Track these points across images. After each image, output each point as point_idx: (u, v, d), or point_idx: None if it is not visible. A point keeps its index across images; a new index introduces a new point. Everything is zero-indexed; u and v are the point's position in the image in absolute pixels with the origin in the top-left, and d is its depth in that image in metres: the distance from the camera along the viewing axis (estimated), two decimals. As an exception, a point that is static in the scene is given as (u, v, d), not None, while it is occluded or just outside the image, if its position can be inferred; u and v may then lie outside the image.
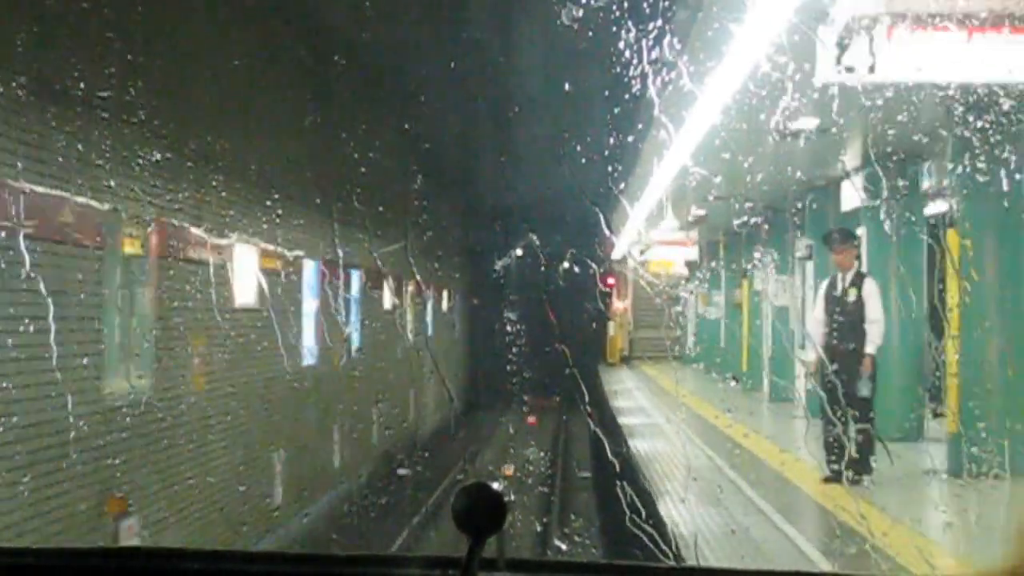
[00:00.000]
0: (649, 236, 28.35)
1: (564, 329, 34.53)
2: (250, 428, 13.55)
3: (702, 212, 21.01)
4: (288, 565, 2.43)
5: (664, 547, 7.92)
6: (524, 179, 26.67)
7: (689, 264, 32.32)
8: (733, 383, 25.65)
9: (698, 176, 17.48)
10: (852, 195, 15.56)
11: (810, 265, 17.51)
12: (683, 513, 10.13)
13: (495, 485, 2.10)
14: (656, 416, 18.58)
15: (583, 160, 15.04)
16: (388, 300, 22.17)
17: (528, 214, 32.04)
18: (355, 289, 19.01)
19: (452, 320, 33.99)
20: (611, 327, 37.41)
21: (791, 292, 19.91)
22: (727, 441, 14.57)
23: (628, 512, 8.33)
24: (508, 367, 32.92)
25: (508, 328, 37.67)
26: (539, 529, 15.49)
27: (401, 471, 21.22)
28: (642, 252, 28.14)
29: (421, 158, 23.07)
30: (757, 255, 22.62)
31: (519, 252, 45.89)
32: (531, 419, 31.61)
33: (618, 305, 39.10)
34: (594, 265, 31.78)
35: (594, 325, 37.26)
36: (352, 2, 14.23)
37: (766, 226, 20.79)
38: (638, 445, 15.14)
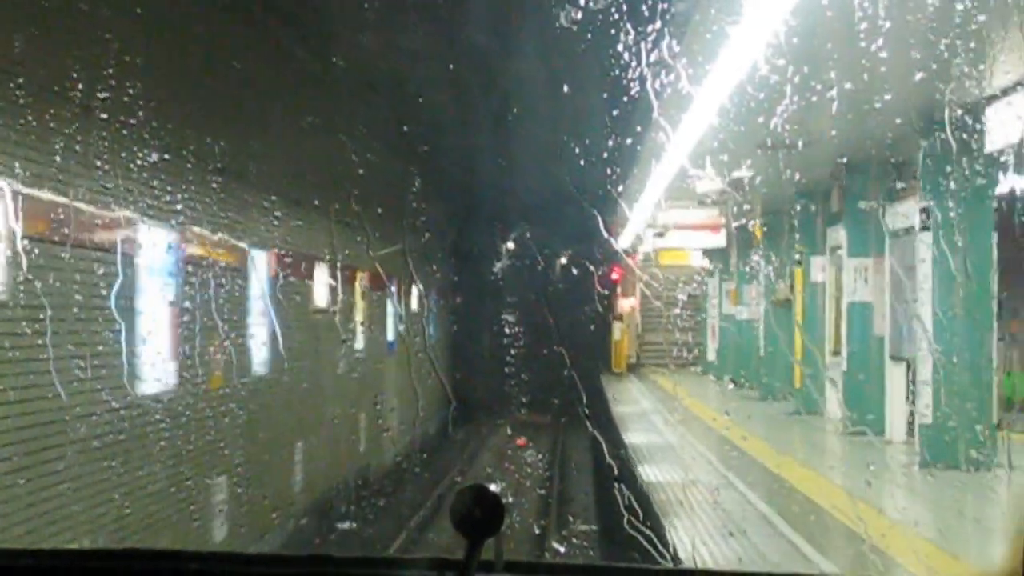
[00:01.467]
0: (665, 217, 22.61)
1: (562, 332, 29.39)
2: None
3: (742, 175, 15.25)
4: (287, 567, 2.43)
5: (662, 549, 7.56)
6: (522, 178, 26.31)
7: (711, 253, 26.70)
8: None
9: (740, 120, 11.98)
10: (1006, 125, 9.90)
11: (920, 241, 11.66)
12: None
13: (493, 487, 2.10)
14: (698, 468, 12.76)
15: (582, 161, 15.20)
16: (321, 296, 16.43)
17: (525, 212, 31.06)
18: (261, 283, 13.32)
19: (440, 323, 28.37)
20: (616, 329, 31.69)
21: (877, 281, 14.18)
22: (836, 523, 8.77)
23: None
24: (495, 381, 27.21)
25: (498, 331, 31.93)
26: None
27: (342, 525, 16.17)
28: (659, 235, 22.37)
29: (413, 153, 21.76)
30: (813, 232, 16.94)
31: (511, 245, 40.87)
32: (520, 440, 26.24)
33: (624, 304, 33.39)
34: (597, 261, 27.06)
35: (594, 327, 31.76)
36: (350, 4, 14.41)
37: (837, 189, 15.03)
38: (678, 528, 9.22)
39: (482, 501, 2.11)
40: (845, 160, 14.09)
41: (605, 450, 12.75)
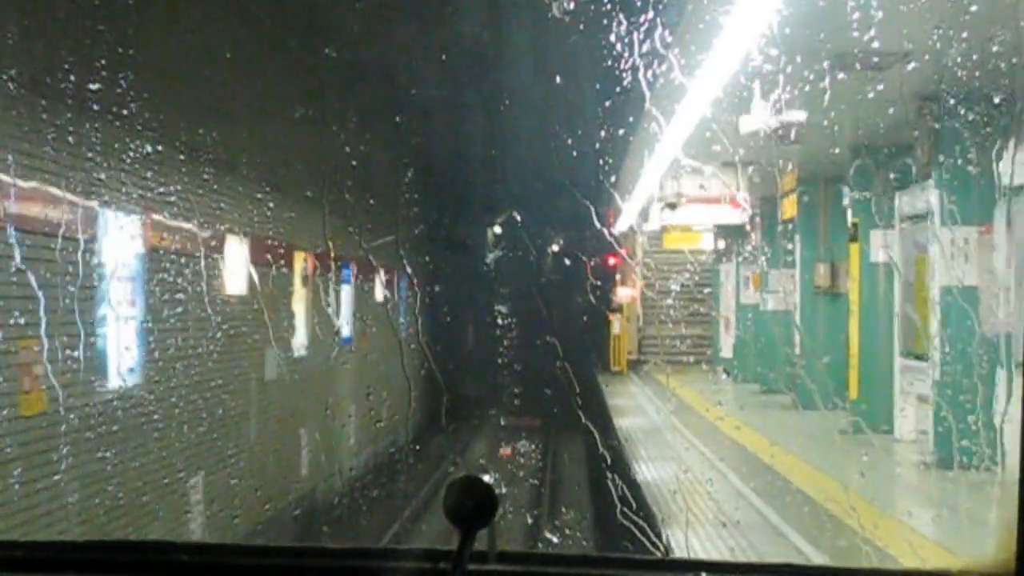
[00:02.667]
0: (676, 188, 18.72)
1: (555, 325, 25.14)
2: None
3: (793, 118, 11.31)
4: (280, 558, 2.45)
5: (655, 539, 7.48)
6: (512, 162, 25.78)
7: (727, 233, 22.87)
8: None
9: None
10: None
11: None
12: None
13: (486, 478, 2.12)
14: (758, 534, 8.80)
15: (574, 152, 14.27)
16: (236, 281, 12.56)
17: (513, 195, 29.81)
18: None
19: (413, 315, 24.47)
20: (615, 322, 27.77)
21: (984, 259, 10.32)
22: None
23: None
24: (478, 384, 23.39)
25: (483, 327, 28.02)
26: None
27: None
28: (671, 207, 18.45)
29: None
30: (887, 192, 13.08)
31: (498, 230, 37.17)
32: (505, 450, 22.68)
33: (623, 294, 29.49)
34: (592, 247, 23.74)
35: (589, 319, 27.93)
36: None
37: (927, 133, 11.16)
38: None
39: (474, 492, 2.10)
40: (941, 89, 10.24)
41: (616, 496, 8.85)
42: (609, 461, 11.42)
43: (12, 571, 2.30)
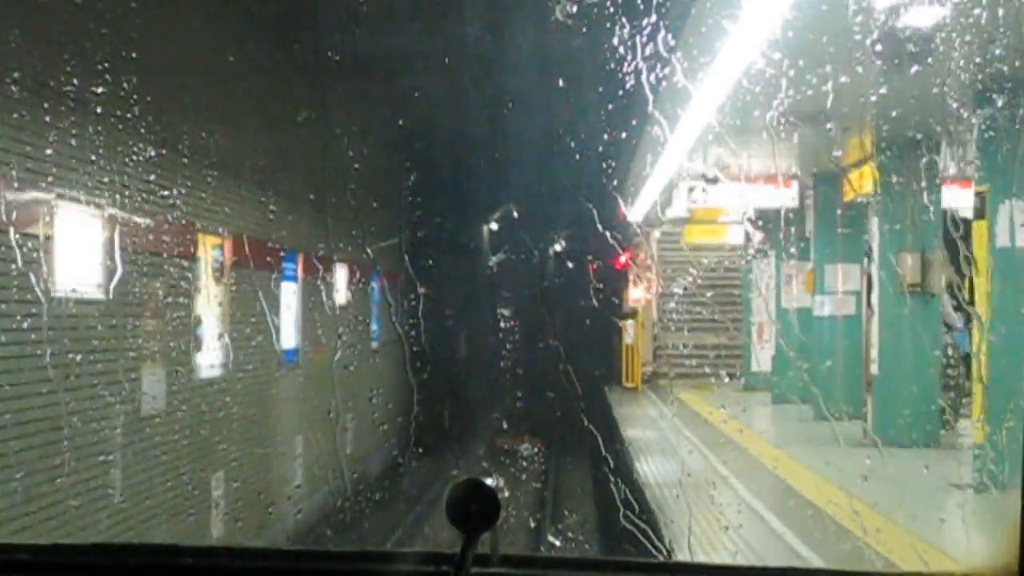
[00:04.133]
0: (715, 162, 14.64)
1: (559, 333, 24.01)
2: None
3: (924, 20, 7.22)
4: (282, 561, 2.46)
5: (657, 543, 7.45)
6: (516, 160, 24.52)
7: (767, 220, 18.80)
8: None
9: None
10: None
11: None
12: None
13: (489, 482, 2.10)
14: None
15: (577, 155, 14.93)
16: (81, 273, 8.44)
17: (516, 193, 28.09)
18: None
19: (379, 321, 20.44)
20: (628, 330, 23.61)
21: None
22: None
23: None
24: (467, 415, 19.85)
25: (477, 338, 23.89)
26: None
27: None
28: (711, 182, 14.18)
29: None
30: None
31: (494, 226, 33.48)
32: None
33: (637, 297, 25.38)
34: (602, 244, 20.17)
35: (594, 324, 23.89)
36: (346, -1, 13.87)
37: None
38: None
39: (477, 495, 2.09)
40: None
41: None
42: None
43: (16, 573, 2.28)
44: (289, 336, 14.45)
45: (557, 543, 12.41)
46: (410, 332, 22.46)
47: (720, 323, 24.35)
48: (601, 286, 24.42)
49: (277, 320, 13.88)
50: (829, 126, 12.46)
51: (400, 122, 20.64)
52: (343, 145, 17.30)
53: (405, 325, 22.16)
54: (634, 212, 23.15)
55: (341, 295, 17.81)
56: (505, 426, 19.93)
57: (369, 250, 19.44)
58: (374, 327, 20.27)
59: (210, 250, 11.40)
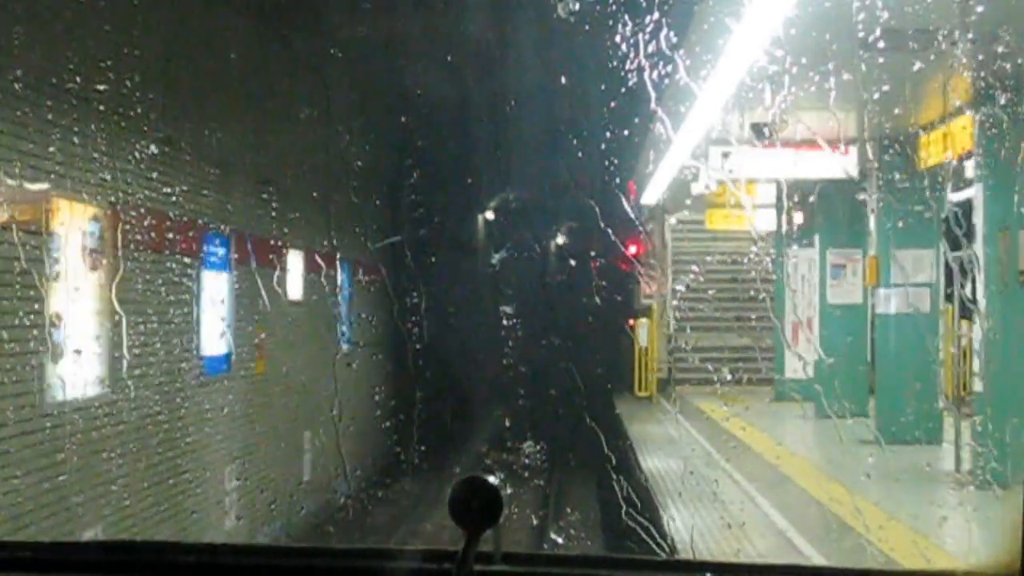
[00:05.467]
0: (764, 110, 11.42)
1: (561, 332, 21.27)
2: None
3: None
4: (285, 558, 2.46)
5: (660, 540, 7.50)
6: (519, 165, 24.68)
7: (801, 200, 15.74)
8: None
9: None
10: None
11: None
12: None
13: (491, 479, 2.09)
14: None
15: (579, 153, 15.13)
16: None
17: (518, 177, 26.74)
18: None
19: (350, 319, 17.28)
20: (640, 331, 20.37)
21: None
22: None
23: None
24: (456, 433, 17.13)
25: (466, 344, 20.97)
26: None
27: None
28: (761, 132, 10.86)
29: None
30: None
31: (490, 215, 30.85)
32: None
33: (650, 291, 22.22)
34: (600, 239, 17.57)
35: (598, 323, 20.83)
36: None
37: None
38: None
39: (480, 492, 2.08)
40: None
41: None
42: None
43: (18, 571, 2.28)
44: (216, 340, 11.29)
45: (560, 540, 11.89)
46: (389, 333, 19.40)
47: (744, 323, 21.14)
48: (605, 283, 21.43)
49: (196, 319, 10.73)
50: (917, 64, 9.40)
51: (399, 115, 19.33)
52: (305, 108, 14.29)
53: (384, 324, 19.02)
54: (649, 194, 20.02)
55: (297, 289, 14.66)
56: (493, 457, 16.74)
57: (334, 236, 16.32)
58: (343, 327, 17.09)
59: (79, 223, 8.24)
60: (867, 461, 10.70)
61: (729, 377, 20.45)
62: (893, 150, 12.27)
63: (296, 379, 14.52)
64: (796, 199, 15.96)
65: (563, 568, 2.36)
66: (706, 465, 11.93)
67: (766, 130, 10.20)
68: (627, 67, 8.47)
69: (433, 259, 21.91)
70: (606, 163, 15.61)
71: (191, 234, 10.53)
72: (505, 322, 24.19)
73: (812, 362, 17.60)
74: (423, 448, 15.01)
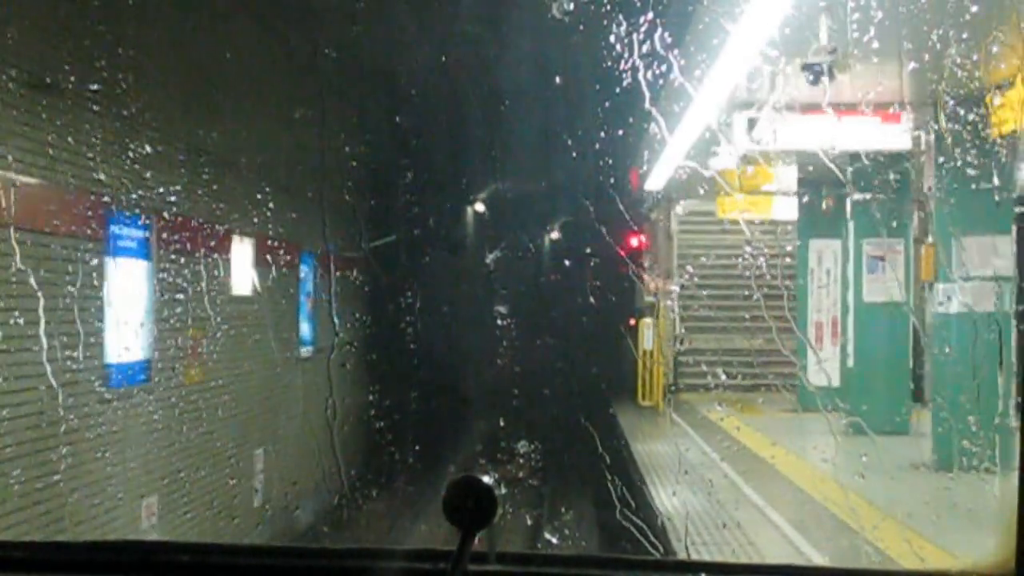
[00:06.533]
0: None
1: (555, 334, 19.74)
2: None
3: None
4: (278, 558, 2.45)
5: (654, 540, 7.29)
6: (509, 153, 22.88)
7: (825, 184, 13.69)
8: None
9: None
10: None
11: None
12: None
13: (486, 479, 2.09)
14: None
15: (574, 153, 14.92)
16: None
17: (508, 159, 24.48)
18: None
19: (313, 319, 15.15)
20: (645, 332, 18.20)
21: None
22: None
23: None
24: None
25: (443, 350, 18.95)
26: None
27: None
28: (820, 74, 8.54)
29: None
30: None
31: (480, 208, 29.11)
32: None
33: (655, 289, 20.08)
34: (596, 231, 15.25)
35: (598, 323, 18.70)
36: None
37: None
38: None
39: (474, 492, 2.07)
40: None
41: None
42: None
43: (12, 571, 2.27)
44: (128, 344, 9.12)
45: (554, 540, 11.54)
46: (361, 334, 17.19)
47: (759, 322, 18.93)
48: (599, 283, 19.35)
49: (98, 319, 8.56)
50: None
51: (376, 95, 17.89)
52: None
53: (355, 325, 16.77)
54: (654, 178, 17.89)
55: (247, 283, 12.51)
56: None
57: (295, 223, 14.18)
58: (304, 327, 14.93)
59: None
60: (942, 496, 8.57)
61: (743, 384, 18.33)
62: (958, 114, 10.12)
63: (245, 388, 12.39)
64: (826, 181, 13.84)
65: (557, 568, 2.35)
66: (735, 505, 9.74)
67: (824, 66, 7.99)
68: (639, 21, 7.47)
69: (419, 255, 19.85)
70: (607, 149, 14.40)
71: (90, 212, 8.36)
72: (499, 322, 22.08)
73: (840, 368, 15.51)
74: (384, 480, 12.89)
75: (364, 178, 17.63)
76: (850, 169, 12.62)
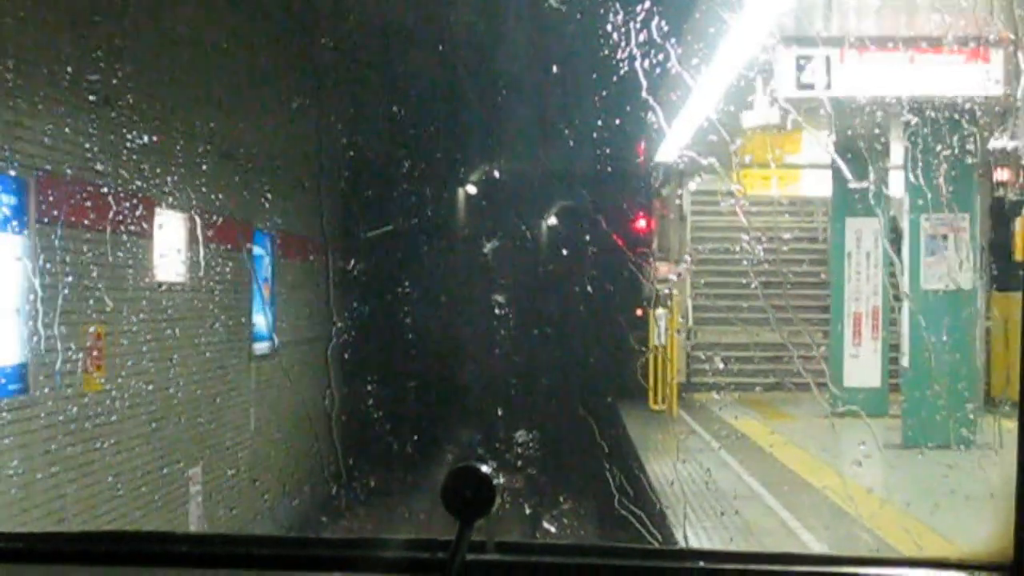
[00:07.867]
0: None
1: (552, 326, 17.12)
2: None
3: None
4: (277, 548, 2.43)
5: (652, 529, 7.30)
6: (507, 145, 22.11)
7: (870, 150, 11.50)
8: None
9: None
10: None
11: None
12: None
13: (484, 468, 2.06)
14: None
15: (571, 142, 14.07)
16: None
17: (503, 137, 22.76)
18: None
19: (271, 311, 12.96)
20: (655, 324, 15.93)
21: None
22: None
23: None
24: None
25: (429, 334, 16.75)
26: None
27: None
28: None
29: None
30: None
31: (472, 190, 27.26)
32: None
33: (663, 270, 17.87)
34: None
35: (605, 315, 16.47)
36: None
37: None
38: None
39: (473, 481, 2.05)
40: None
41: None
42: None
43: (12, 562, 2.26)
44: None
45: (553, 529, 10.85)
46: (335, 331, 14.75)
47: (785, 312, 16.73)
48: (596, 273, 17.18)
49: None
50: None
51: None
52: None
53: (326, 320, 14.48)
54: (666, 148, 15.68)
55: (177, 267, 10.27)
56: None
57: (247, 195, 11.94)
58: (259, 320, 12.69)
59: None
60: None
61: (765, 382, 16.11)
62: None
63: (174, 394, 10.16)
64: (875, 139, 11.56)
65: (555, 556, 2.36)
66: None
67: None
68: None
69: (418, 242, 17.73)
70: (611, 119, 12.84)
71: None
72: (497, 311, 19.90)
73: (881, 366, 13.35)
74: (352, 496, 10.67)
75: (358, 167, 15.49)
76: (907, 124, 10.38)
